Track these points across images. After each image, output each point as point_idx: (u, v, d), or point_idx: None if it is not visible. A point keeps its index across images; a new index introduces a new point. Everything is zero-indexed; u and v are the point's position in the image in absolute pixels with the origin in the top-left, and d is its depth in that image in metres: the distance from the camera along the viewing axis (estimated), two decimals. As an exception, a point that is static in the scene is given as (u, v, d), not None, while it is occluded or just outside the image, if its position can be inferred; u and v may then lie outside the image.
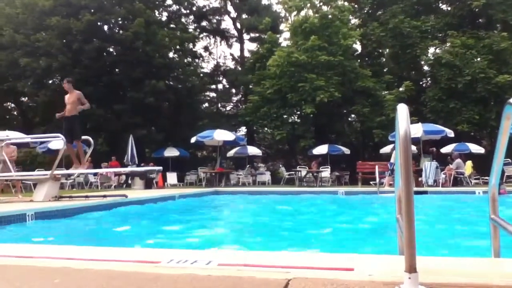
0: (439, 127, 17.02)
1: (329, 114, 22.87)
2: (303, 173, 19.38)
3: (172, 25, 29.37)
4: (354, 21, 26.48)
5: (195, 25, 33.16)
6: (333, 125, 24.15)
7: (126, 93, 24.02)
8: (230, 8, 33.39)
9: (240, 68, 32.78)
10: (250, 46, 33.64)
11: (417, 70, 25.59)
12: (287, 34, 27.08)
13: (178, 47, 26.94)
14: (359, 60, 26.00)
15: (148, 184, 16.25)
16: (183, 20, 31.75)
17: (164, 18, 30.05)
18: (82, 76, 22.63)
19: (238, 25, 33.45)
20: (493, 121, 20.07)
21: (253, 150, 23.79)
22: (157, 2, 28.29)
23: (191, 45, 29.37)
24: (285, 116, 24.47)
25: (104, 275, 2.07)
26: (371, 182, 15.99)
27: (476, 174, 16.70)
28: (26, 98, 25.62)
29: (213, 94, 34.40)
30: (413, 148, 16.01)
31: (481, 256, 2.50)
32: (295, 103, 22.60)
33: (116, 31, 25.70)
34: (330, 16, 23.11)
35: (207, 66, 34.45)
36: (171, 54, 27.13)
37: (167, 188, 18.36)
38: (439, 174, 15.04)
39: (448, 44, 23.09)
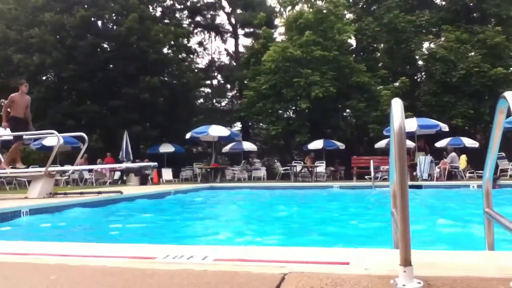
0: (434, 122, 17.09)
1: (324, 109, 22.90)
2: (298, 168, 19.41)
3: (166, 21, 29.28)
4: (348, 16, 26.46)
5: (189, 20, 33.06)
6: (328, 120, 24.18)
7: (121, 89, 23.94)
8: (224, 3, 33.32)
9: (235, 64, 32.70)
10: (244, 41, 33.61)
11: (411, 64, 25.65)
12: (282, 29, 27.06)
13: (172, 42, 26.87)
14: (353, 55, 26.00)
15: (143, 180, 16.23)
16: (177, 15, 31.66)
17: (158, 14, 29.96)
18: (76, 73, 22.55)
19: (233, 20, 33.36)
20: (487, 116, 20.17)
21: (248, 146, 23.81)
22: (151, -3, 28.16)
23: (185, 41, 29.31)
24: (280, 112, 24.49)
25: (100, 271, 2.07)
26: (366, 177, 16.04)
27: (470, 168, 16.79)
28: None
29: (208, 90, 34.34)
30: (410, 143, 16.09)
31: (475, 249, 2.52)
32: (290, 98, 22.60)
33: (110, 26, 25.58)
34: (324, 11, 23.07)
35: (201, 62, 34.43)
36: (165, 50, 27.07)
37: (162, 184, 18.34)
38: (434, 168, 15.11)
39: (442, 39, 23.14)
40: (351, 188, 12.35)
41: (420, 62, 25.35)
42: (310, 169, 18.79)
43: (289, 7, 25.11)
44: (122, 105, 22.72)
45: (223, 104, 35.60)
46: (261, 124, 28.57)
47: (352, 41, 26.52)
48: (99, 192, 8.42)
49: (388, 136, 15.16)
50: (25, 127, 9.04)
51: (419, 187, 11.74)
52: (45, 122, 21.46)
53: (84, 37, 22.95)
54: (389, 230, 2.37)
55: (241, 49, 33.11)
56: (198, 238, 4.63)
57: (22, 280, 1.98)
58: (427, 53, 23.37)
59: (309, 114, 23.05)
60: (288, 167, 20.40)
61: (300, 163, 20.45)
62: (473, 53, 21.67)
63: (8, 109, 9.07)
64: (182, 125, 23.94)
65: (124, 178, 17.57)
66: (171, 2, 30.79)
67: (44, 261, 2.33)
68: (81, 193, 8.60)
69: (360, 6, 27.48)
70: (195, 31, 33.21)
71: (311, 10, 23.67)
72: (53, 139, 13.75)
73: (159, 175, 19.55)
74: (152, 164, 14.94)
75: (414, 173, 14.77)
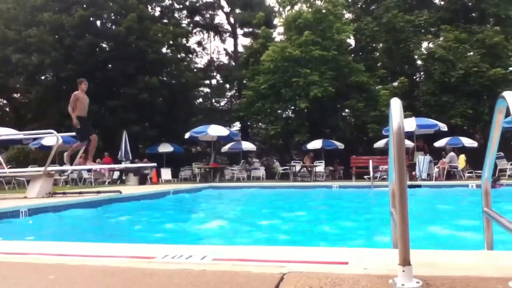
0: (433, 121, 17.09)
1: (323, 109, 22.90)
2: (298, 168, 19.41)
3: (165, 20, 29.25)
4: (347, 15, 26.46)
5: (188, 20, 33.03)
6: (327, 120, 24.18)
7: (120, 89, 23.90)
8: (223, 2, 33.30)
9: (234, 63, 32.70)
10: (243, 41, 33.60)
11: (410, 64, 25.64)
12: (281, 29, 27.04)
13: (171, 42, 26.83)
14: (352, 55, 26.01)
15: (142, 180, 16.22)
16: (176, 15, 31.62)
17: (157, 13, 29.92)
18: (75, 72, 22.43)
19: (232, 20, 33.35)
20: (486, 115, 20.16)
21: (247, 145, 23.80)
22: (149, -3, 28.12)
23: (184, 40, 29.27)
24: (279, 111, 24.47)
25: (99, 271, 2.06)
26: (365, 177, 16.04)
27: (469, 168, 16.79)
28: (19, 94, 25.46)
29: (207, 90, 34.32)
30: (408, 142, 16.10)
31: (474, 249, 2.53)
32: (289, 98, 22.58)
33: (109, 26, 25.55)
34: (323, 11, 23.06)
35: (200, 62, 34.40)
36: (164, 50, 27.03)
37: (161, 184, 18.33)
38: (433, 168, 15.12)
39: (441, 39, 23.15)
40: (350, 188, 12.35)
41: (419, 62, 25.35)
42: (309, 168, 18.79)
43: (288, 7, 25.09)
44: (120, 105, 22.68)
45: (222, 104, 35.59)
46: (260, 124, 28.56)
47: (351, 41, 26.51)
48: (98, 192, 8.43)
49: (387, 136, 15.17)
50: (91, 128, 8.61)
51: (418, 186, 11.75)
52: (44, 122, 21.45)
53: (82, 37, 22.90)
54: (388, 230, 2.37)
55: (240, 49, 33.13)
56: (197, 237, 4.63)
57: (21, 280, 1.98)
58: (426, 53, 23.37)
59: (308, 113, 23.05)
60: (287, 167, 20.39)
61: (299, 162, 20.45)
62: (472, 53, 21.67)
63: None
64: (181, 125, 23.92)
65: (123, 177, 17.56)
66: (170, 1, 30.78)
67: (43, 260, 2.33)
68: (80, 192, 8.60)
69: (359, 6, 27.49)
70: (194, 30, 33.19)
71: (310, 10, 23.65)
72: (52, 139, 13.69)
73: (158, 175, 19.55)
74: (151, 164, 14.96)
75: (413, 173, 14.78)
